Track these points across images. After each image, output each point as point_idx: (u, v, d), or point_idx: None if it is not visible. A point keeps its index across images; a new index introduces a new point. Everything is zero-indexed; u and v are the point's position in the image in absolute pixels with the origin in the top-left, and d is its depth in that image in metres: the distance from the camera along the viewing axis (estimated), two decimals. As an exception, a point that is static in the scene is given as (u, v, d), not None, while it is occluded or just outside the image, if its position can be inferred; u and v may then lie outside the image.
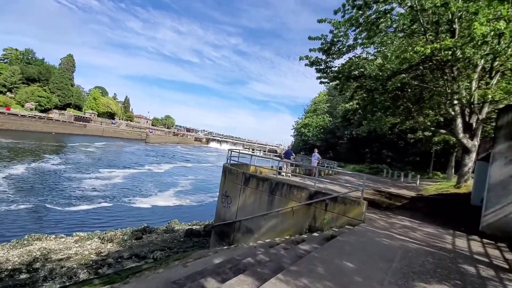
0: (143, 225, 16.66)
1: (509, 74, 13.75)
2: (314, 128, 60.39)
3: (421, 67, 13.14)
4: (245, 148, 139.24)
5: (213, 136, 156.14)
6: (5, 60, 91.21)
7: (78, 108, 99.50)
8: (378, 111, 15.93)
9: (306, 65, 15.42)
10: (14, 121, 60.17)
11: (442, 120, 18.30)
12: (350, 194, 8.01)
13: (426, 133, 20.96)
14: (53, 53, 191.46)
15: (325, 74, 15.38)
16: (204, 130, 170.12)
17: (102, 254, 12.25)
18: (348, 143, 50.35)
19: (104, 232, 14.87)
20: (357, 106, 16.82)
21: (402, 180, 27.51)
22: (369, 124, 17.21)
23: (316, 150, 18.22)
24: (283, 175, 14.88)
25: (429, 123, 16.47)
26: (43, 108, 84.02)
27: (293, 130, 74.98)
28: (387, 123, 17.25)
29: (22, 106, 78.71)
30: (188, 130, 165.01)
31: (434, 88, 13.46)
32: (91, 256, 12.08)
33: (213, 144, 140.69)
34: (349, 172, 26.35)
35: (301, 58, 15.02)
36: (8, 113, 59.77)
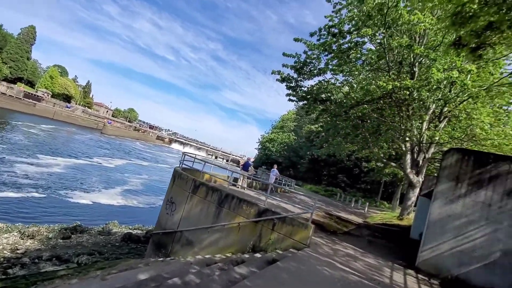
0: (76, 223, 14.89)
1: (454, 121, 15.13)
2: (278, 144, 61.34)
3: (381, 101, 13.89)
4: (209, 154, 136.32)
5: (177, 137, 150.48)
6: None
7: (31, 84, 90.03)
8: (339, 137, 16.48)
9: (277, 80, 15.47)
10: None
11: (393, 154, 19.51)
12: (300, 215, 7.83)
13: (379, 164, 22.27)
14: (14, 21, 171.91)
15: (294, 92, 15.55)
16: (168, 130, 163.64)
17: (18, 251, 10.54)
18: (308, 164, 51.79)
19: (27, 226, 12.94)
20: (321, 128, 17.24)
21: (352, 205, 28.67)
22: (329, 148, 17.71)
23: (275, 166, 18.15)
24: (238, 187, 14.48)
25: (382, 155, 17.41)
26: (-10, 79, 74.53)
27: (258, 143, 75.40)
28: (346, 149, 17.93)
29: (-35, 72, 69.12)
30: (152, 127, 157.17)
31: (391, 123, 14.28)
32: (5, 252, 10.32)
33: (175, 146, 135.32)
34: (302, 193, 26.80)
35: (273, 72, 15.06)
36: None
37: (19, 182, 18.44)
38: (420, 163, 15.04)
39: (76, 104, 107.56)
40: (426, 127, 14.18)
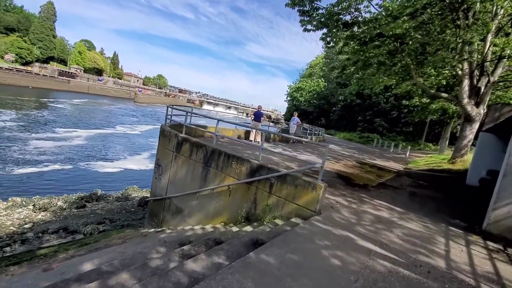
0: (95, 190, 14.68)
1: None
2: (307, 93, 57.09)
3: (428, 10, 10.29)
4: (240, 112, 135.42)
5: (207, 99, 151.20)
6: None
7: (64, 62, 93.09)
8: (370, 67, 13.18)
9: (286, 5, 12.33)
10: (-12, 73, 56.06)
11: (443, 84, 15.73)
12: (310, 168, 5.82)
13: (424, 100, 18.58)
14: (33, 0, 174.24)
15: (309, 18, 12.36)
16: (198, 92, 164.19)
17: (25, 226, 10.30)
18: (341, 110, 47.78)
19: (43, 198, 12.85)
20: (346, 62, 14.02)
21: (391, 150, 25.73)
22: (358, 83, 14.49)
23: (295, 114, 15.84)
24: (252, 141, 12.66)
25: (428, 86, 13.95)
26: (24, 61, 77.93)
27: (286, 95, 71.22)
28: (380, 84, 14.63)
29: (2, 58, 72.78)
30: (181, 91, 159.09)
31: (442, 40, 10.69)
32: (12, 227, 10.12)
33: (206, 107, 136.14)
34: (332, 142, 24.26)
35: (280, -5, 11.89)
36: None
37: (35, 159, 17.92)
38: (482, 90, 11.61)
39: (107, 76, 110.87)
40: (492, 38, 10.49)
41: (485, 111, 11.79)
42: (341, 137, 39.25)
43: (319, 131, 23.77)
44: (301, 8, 12.28)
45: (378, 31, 11.40)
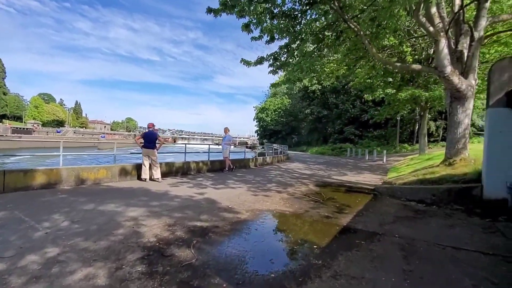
0: None
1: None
2: (272, 112, 54.07)
3: None
4: (215, 143, 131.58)
5: (180, 134, 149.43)
6: None
7: (20, 119, 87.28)
8: (304, 43, 9.17)
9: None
10: None
11: (410, 57, 12.12)
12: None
13: (389, 90, 15.03)
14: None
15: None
16: (171, 130, 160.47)
17: None
18: (310, 124, 44.70)
19: None
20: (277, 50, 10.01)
21: (367, 158, 22.06)
22: (293, 69, 10.20)
23: (226, 130, 11.60)
24: (146, 180, 8.10)
25: (390, 56, 10.27)
26: (-33, 122, 71.42)
27: (254, 118, 67.97)
28: (322, 73, 10.67)
29: None
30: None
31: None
32: None
33: (180, 142, 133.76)
34: (298, 160, 20.17)
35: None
36: None
37: None
38: (465, 53, 8.01)
39: (69, 127, 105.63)
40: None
41: (477, 81, 8.17)
42: (313, 152, 35.56)
43: (279, 150, 19.62)
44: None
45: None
